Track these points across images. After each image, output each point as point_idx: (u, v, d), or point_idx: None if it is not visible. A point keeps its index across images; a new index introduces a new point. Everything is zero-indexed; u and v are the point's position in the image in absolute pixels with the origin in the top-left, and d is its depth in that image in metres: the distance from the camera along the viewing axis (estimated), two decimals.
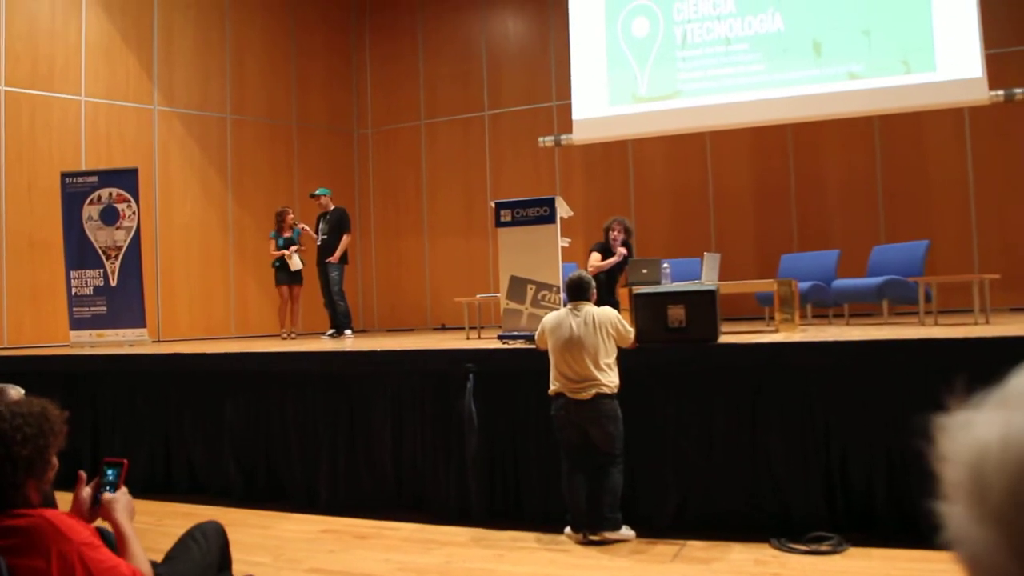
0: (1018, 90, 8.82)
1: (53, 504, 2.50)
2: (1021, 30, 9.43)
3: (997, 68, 8.86)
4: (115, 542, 2.45)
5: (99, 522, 2.55)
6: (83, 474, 2.57)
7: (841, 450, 4.83)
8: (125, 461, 2.64)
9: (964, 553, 0.66)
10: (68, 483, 2.58)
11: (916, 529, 4.61)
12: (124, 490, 2.60)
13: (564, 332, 4.92)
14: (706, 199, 10.86)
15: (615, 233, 7.75)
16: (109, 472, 2.61)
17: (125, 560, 2.34)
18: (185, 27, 11.28)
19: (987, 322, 6.49)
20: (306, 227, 9.89)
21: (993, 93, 8.76)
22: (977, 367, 4.21)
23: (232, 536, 3.17)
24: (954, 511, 0.66)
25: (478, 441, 5.50)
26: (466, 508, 5.63)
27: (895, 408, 4.67)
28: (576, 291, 5.14)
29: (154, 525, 5.54)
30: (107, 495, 2.57)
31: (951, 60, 8.77)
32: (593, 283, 5.25)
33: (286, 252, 9.70)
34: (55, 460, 2.35)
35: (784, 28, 9.36)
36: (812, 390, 4.90)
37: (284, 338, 9.78)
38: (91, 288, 9.16)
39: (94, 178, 9.30)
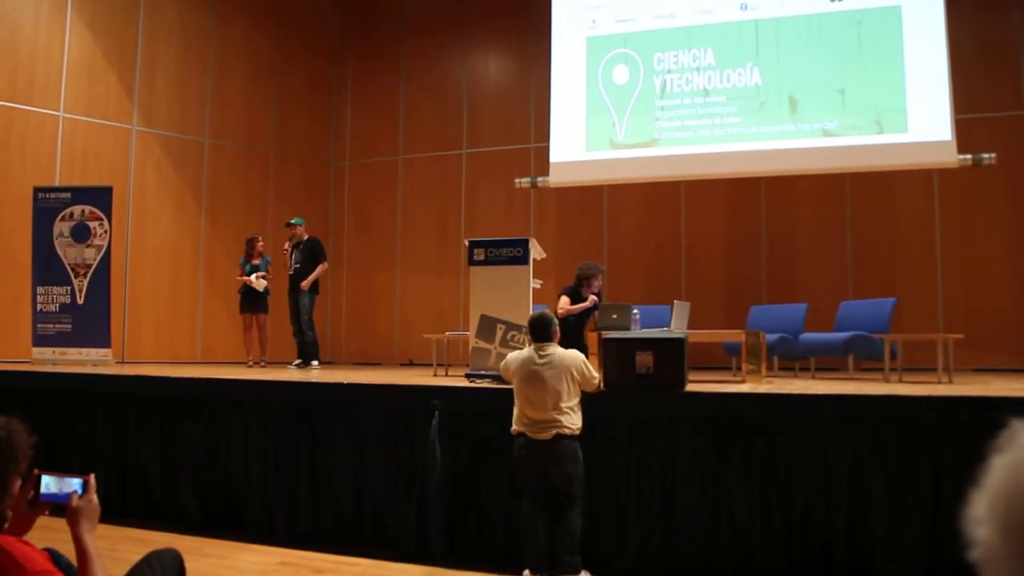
0: (986, 155, 9.02)
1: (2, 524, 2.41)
2: (990, 97, 9.67)
3: (966, 133, 9.07)
4: (69, 567, 2.36)
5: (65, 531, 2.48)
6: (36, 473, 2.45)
7: (803, 500, 4.85)
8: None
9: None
10: None
11: None
12: (93, 498, 2.46)
13: (527, 373, 4.87)
14: (678, 247, 10.96)
15: (598, 282, 7.67)
16: (73, 481, 2.46)
17: None
18: (169, 50, 11.28)
19: (950, 381, 6.57)
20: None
21: (962, 157, 8.96)
22: (938, 424, 4.23)
23: (188, 565, 3.12)
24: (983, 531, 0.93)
25: (441, 479, 5.46)
26: (426, 546, 5.57)
27: (857, 460, 4.71)
28: (538, 329, 5.01)
29: (107, 550, 5.43)
30: (75, 501, 2.43)
31: (922, 123, 8.96)
32: (555, 321, 5.11)
33: (247, 279, 9.66)
34: (15, 488, 2.27)
35: (762, 83, 9.52)
36: (776, 440, 4.92)
37: (250, 366, 9.69)
38: (57, 305, 9.04)
39: (67, 194, 9.23)
